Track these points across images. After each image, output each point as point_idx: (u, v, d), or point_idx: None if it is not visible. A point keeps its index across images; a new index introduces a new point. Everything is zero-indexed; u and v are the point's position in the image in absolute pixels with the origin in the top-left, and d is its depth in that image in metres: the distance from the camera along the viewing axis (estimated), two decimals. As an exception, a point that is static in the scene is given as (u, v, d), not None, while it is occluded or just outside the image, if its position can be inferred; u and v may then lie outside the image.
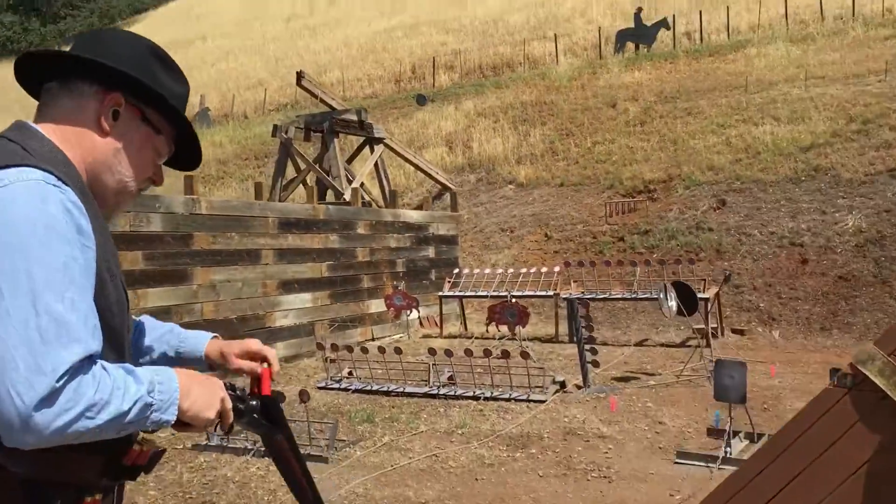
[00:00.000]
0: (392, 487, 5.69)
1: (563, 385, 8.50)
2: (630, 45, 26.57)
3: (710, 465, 5.93)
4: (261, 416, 1.60)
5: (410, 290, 12.76)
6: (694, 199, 15.13)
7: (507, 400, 8.07)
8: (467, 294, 12.72)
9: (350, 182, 16.16)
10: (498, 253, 16.01)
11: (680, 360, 9.96)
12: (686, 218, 14.62)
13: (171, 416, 1.36)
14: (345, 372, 9.14)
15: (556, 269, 12.49)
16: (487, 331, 11.99)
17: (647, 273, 12.17)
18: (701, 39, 26.72)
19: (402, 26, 40.54)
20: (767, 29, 25.76)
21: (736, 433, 6.32)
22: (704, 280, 11.12)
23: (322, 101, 16.96)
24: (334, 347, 8.98)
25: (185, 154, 1.68)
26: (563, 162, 18.83)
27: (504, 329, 11.39)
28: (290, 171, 17.34)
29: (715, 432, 6.69)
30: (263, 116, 32.19)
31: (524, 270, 12.80)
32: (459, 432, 7.02)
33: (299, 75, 16.33)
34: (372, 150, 17.27)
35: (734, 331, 11.61)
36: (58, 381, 1.20)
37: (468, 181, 19.60)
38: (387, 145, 17.71)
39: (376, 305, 12.36)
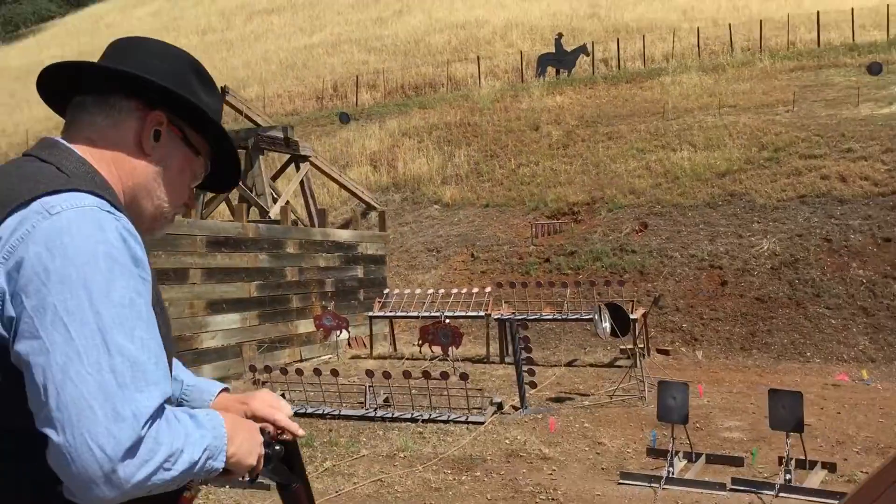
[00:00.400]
0: (340, 514, 5.57)
1: (500, 406, 8.53)
2: (551, 70, 27.14)
3: (653, 485, 6.04)
4: (283, 462, 1.54)
5: (339, 310, 12.62)
6: (617, 221, 15.51)
7: (446, 422, 8.04)
8: (398, 314, 12.66)
9: (275, 200, 15.90)
10: (424, 273, 16.01)
11: (610, 379, 10.15)
12: (610, 240, 14.96)
13: (221, 463, 1.26)
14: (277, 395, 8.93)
15: (488, 289, 12.57)
16: (420, 351, 11.94)
17: (575, 294, 12.37)
18: (619, 66, 27.53)
19: (323, 43, 40.33)
20: (681, 58, 26.74)
21: (676, 453, 6.46)
22: (632, 301, 11.38)
23: (247, 117, 16.69)
24: (267, 369, 8.77)
25: (219, 174, 1.58)
26: (488, 183, 19.03)
27: (437, 350, 11.37)
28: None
29: (654, 452, 6.82)
30: (180, 131, 31.36)
31: (455, 291, 12.83)
32: (402, 455, 6.95)
33: (223, 90, 16.02)
34: (298, 168, 17.07)
35: (659, 351, 11.90)
36: (141, 429, 1.11)
37: (393, 201, 19.58)
38: (313, 163, 17.53)
39: (304, 326, 12.16)
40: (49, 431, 1.10)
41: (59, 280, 1.14)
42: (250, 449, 1.36)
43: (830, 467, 6.47)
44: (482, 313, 12.05)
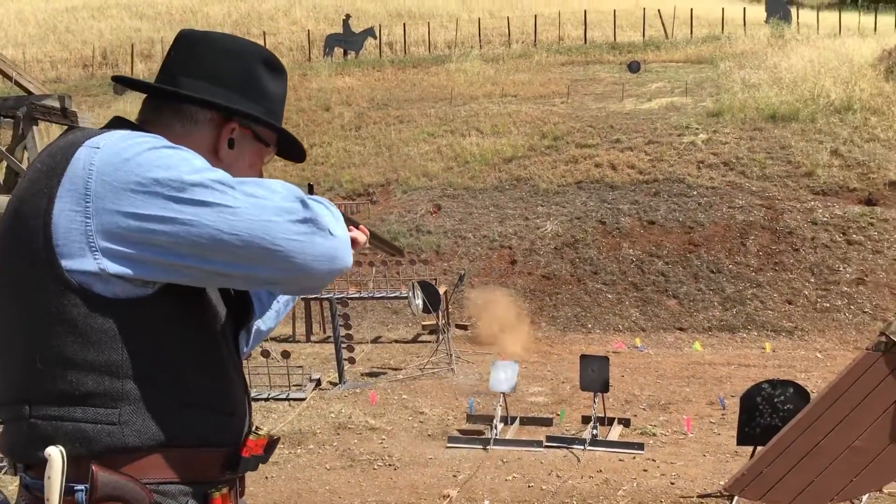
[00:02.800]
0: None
1: (318, 383, 8.69)
2: (338, 51, 27.18)
3: (479, 446, 6.52)
4: None
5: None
6: (412, 203, 16.03)
7: (267, 399, 8.09)
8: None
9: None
10: (219, 253, 15.63)
11: (416, 354, 10.64)
12: (406, 221, 15.45)
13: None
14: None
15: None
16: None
17: (378, 273, 12.72)
18: (405, 51, 28.13)
19: (87, 6, 37.34)
20: (463, 47, 27.84)
21: (492, 418, 6.98)
22: (435, 280, 11.92)
23: (17, 83, 15.27)
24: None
25: (287, 149, 1.67)
26: (280, 162, 18.80)
27: (243, 330, 11.22)
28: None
29: (473, 418, 7.35)
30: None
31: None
32: (231, 435, 6.92)
33: (-11, 52, 14.55)
34: (76, 141, 15.89)
35: (458, 326, 12.55)
36: (310, 203, 1.29)
37: (180, 178, 18.82)
38: (92, 136, 16.38)
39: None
40: (260, 272, 1.27)
41: (149, 169, 1.23)
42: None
43: (625, 422, 7.35)
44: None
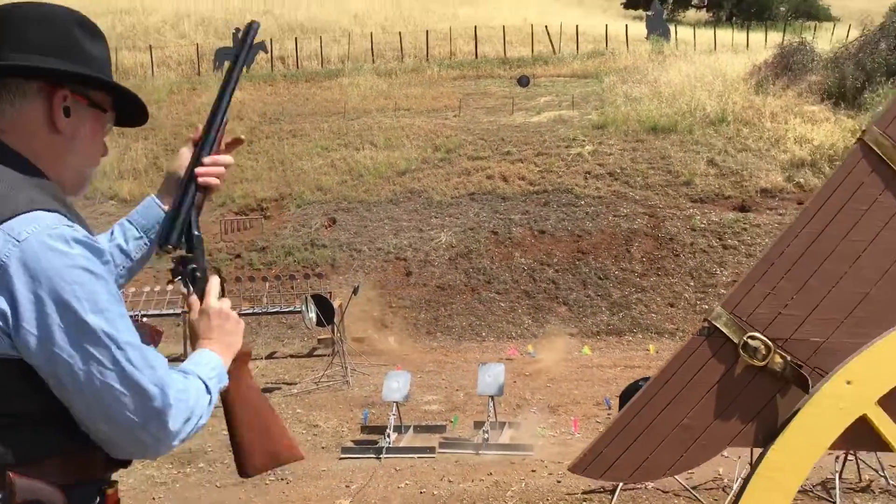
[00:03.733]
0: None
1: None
2: (228, 65, 26.74)
3: (372, 456, 6.58)
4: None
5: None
6: (307, 217, 15.96)
7: (156, 420, 7.90)
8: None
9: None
10: (105, 272, 15.12)
11: (311, 368, 10.61)
12: (301, 235, 15.37)
13: (226, 379, 1.51)
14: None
15: (170, 287, 12.28)
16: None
17: (272, 288, 12.60)
18: (297, 65, 27.96)
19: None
20: (356, 61, 27.89)
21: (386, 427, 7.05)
22: (330, 293, 11.90)
23: None
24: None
25: (127, 111, 1.61)
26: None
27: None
28: None
29: (367, 429, 7.40)
30: None
31: (147, 289, 12.36)
32: (117, 457, 6.75)
33: None
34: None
35: (355, 339, 12.56)
36: (168, 397, 1.32)
37: (62, 196, 18.12)
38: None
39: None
40: (98, 425, 1.32)
41: (54, 301, 1.28)
42: (230, 342, 1.58)
43: (515, 426, 7.55)
44: (178, 310, 11.79)
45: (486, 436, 6.83)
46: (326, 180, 17.04)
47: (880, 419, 1.88)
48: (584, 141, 17.37)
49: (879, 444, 1.91)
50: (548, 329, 12.63)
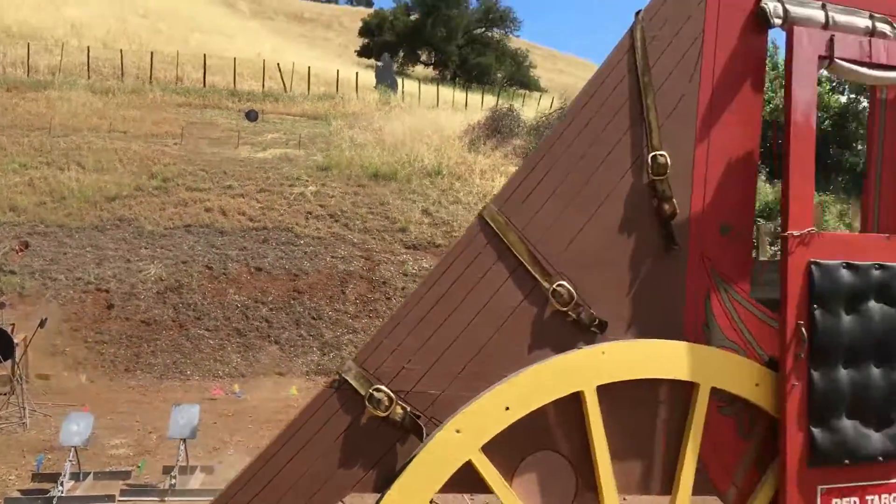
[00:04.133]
0: None
1: None
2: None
3: (42, 507, 6.04)
4: None
5: None
6: (-6, 239, 14.40)
7: None
8: None
9: None
10: None
11: (-16, 409, 9.51)
12: (-15, 259, 13.82)
13: None
14: None
15: None
16: None
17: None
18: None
19: None
20: (69, 74, 25.87)
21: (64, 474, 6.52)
22: (12, 325, 10.79)
23: None
24: None
25: None
26: None
27: None
28: None
29: (41, 476, 6.79)
30: None
31: None
32: None
33: None
34: None
35: (39, 376, 11.48)
36: None
37: None
38: None
39: None
40: None
41: None
42: None
43: (208, 470, 7.32)
44: None
45: (174, 481, 6.55)
46: (22, 200, 15.54)
47: (482, 464, 2.11)
48: (307, 181, 17.52)
49: (484, 487, 2.14)
50: (256, 368, 12.45)
